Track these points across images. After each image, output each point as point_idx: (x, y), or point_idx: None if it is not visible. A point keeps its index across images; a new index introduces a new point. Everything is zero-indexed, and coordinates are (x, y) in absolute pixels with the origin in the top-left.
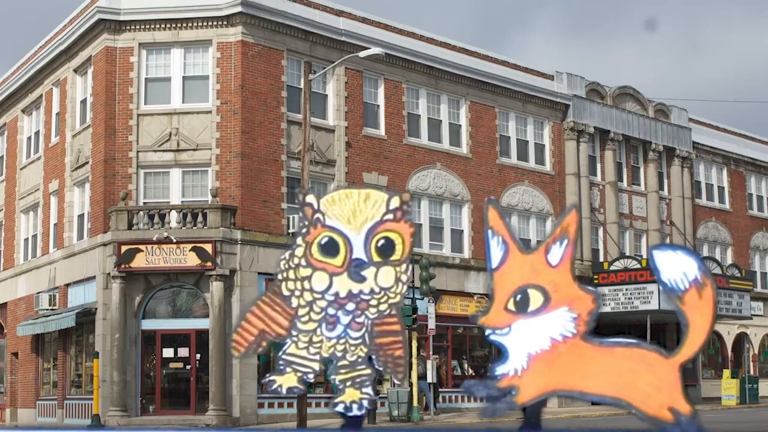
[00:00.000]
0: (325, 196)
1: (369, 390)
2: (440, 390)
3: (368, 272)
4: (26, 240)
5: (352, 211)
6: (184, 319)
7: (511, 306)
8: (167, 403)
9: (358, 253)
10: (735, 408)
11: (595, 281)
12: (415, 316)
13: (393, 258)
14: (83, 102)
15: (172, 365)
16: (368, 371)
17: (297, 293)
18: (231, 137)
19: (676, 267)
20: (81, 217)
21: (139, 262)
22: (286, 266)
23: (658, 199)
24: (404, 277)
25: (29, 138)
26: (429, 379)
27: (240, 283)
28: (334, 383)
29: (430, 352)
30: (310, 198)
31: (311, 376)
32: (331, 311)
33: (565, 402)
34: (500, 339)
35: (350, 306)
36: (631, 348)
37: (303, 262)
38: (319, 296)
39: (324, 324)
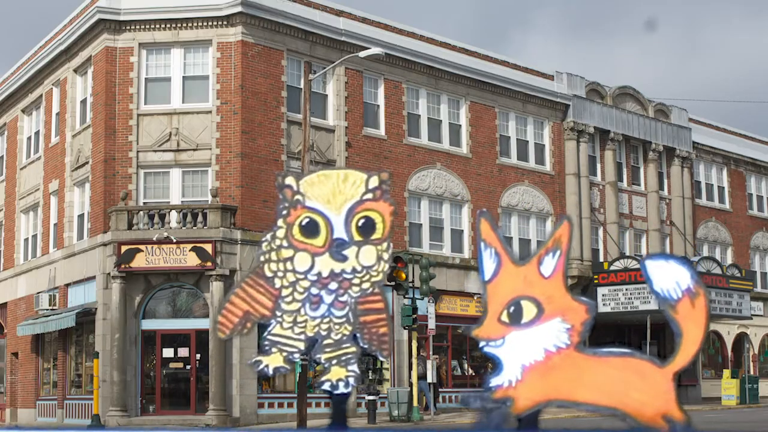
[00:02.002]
0: (303, 177)
1: (354, 367)
2: (440, 390)
3: (350, 251)
4: (26, 240)
5: (331, 191)
6: (184, 319)
7: (504, 318)
8: (167, 403)
9: (339, 232)
10: (735, 408)
11: (595, 281)
12: (415, 316)
13: (374, 237)
14: (83, 102)
15: (172, 365)
16: (353, 349)
17: (280, 274)
18: (231, 137)
19: (669, 277)
20: (81, 217)
21: (139, 262)
22: (268, 248)
23: (658, 199)
24: (385, 255)
25: (29, 138)
26: (429, 379)
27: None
28: (319, 361)
29: (430, 352)
30: (290, 180)
31: (297, 355)
32: (314, 291)
33: (564, 407)
34: (494, 351)
35: (333, 285)
36: (625, 358)
37: (285, 243)
38: (302, 276)
39: (308, 304)
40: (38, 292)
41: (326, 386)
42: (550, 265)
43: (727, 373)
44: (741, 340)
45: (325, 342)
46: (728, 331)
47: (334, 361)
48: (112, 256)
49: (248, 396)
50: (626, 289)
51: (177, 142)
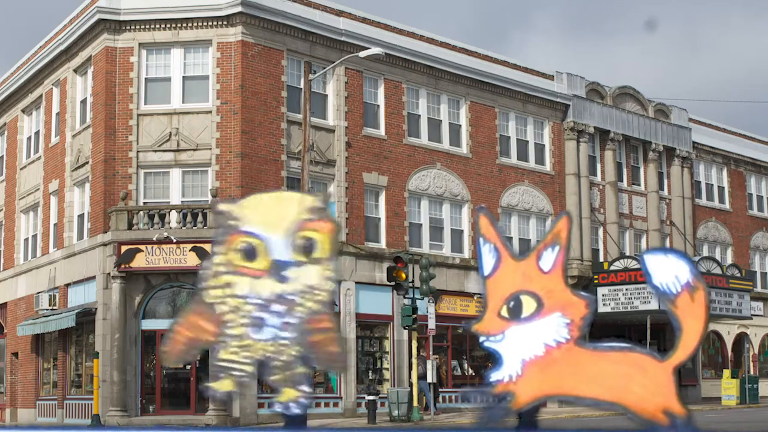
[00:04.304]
0: (237, 202)
1: (305, 387)
2: (440, 390)
3: (291, 272)
4: (26, 240)
5: (267, 213)
6: None
7: (504, 313)
8: (167, 403)
9: (280, 254)
10: (735, 408)
11: (595, 281)
12: (415, 316)
13: (316, 256)
14: (83, 102)
15: (172, 365)
16: (302, 370)
17: (220, 300)
18: (231, 137)
19: (668, 271)
20: (81, 217)
21: (139, 262)
22: (208, 275)
23: (658, 199)
24: (330, 274)
25: (29, 138)
26: (429, 379)
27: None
28: (271, 384)
29: (430, 352)
30: (223, 206)
31: (247, 379)
32: (257, 314)
33: (565, 402)
34: (494, 346)
35: (277, 307)
36: (625, 352)
37: (222, 269)
38: (244, 301)
39: (252, 327)
40: (38, 292)
41: (278, 408)
42: (550, 260)
43: (727, 373)
44: (741, 340)
45: (274, 364)
46: (728, 331)
47: (284, 383)
48: (112, 256)
49: (248, 396)
50: (626, 289)
51: (177, 142)
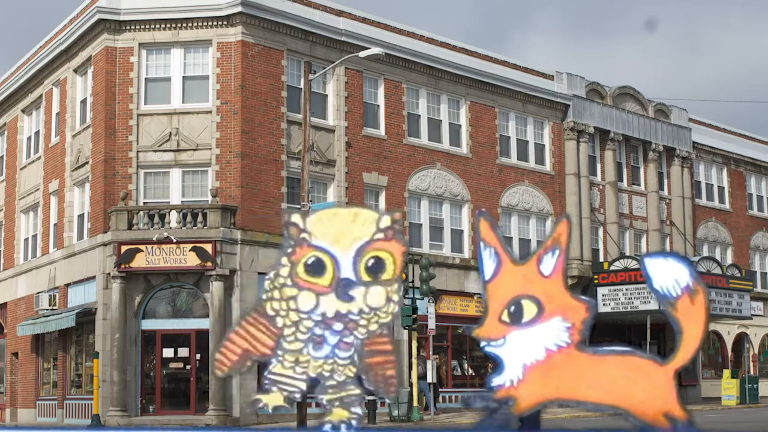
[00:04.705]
0: (311, 215)
1: (357, 409)
2: (440, 390)
3: (357, 292)
4: (26, 240)
5: (340, 230)
6: (184, 319)
7: (505, 317)
8: (167, 403)
9: (347, 272)
10: (735, 408)
11: (595, 281)
12: (415, 316)
13: (383, 278)
14: (83, 102)
15: (172, 365)
16: (357, 391)
17: (282, 313)
18: (231, 137)
19: (668, 274)
20: (81, 217)
21: (139, 262)
22: (271, 286)
23: (658, 199)
24: (395, 297)
25: (29, 138)
26: (429, 379)
27: (240, 283)
28: (321, 403)
29: (430, 352)
30: (296, 217)
31: (298, 395)
32: (317, 331)
33: (565, 405)
34: (495, 350)
35: (338, 326)
36: (626, 356)
37: (288, 282)
38: (306, 316)
39: (310, 344)
40: (38, 292)
41: (327, 427)
42: (550, 264)
43: (727, 373)
44: (741, 340)
45: (328, 383)
46: (728, 331)
47: (337, 403)
48: (112, 256)
49: (248, 396)
50: (626, 289)
51: (177, 142)
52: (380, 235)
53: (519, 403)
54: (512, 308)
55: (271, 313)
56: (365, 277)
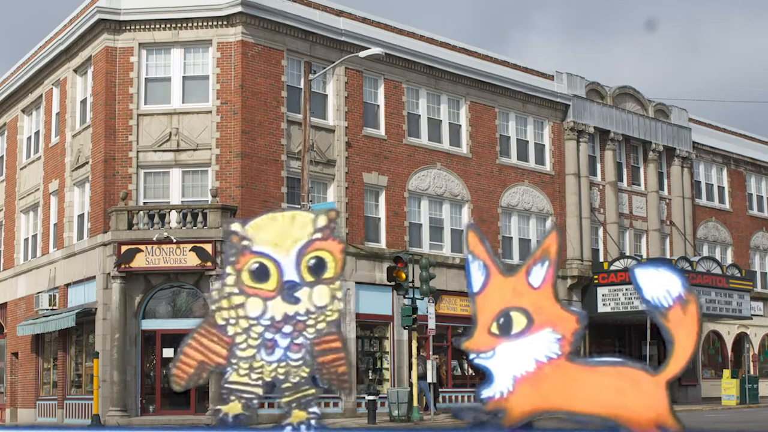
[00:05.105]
0: (249, 222)
1: (315, 409)
2: (440, 390)
3: (302, 293)
4: (26, 240)
5: (279, 234)
6: (184, 319)
7: (494, 329)
8: (167, 403)
9: (290, 275)
10: (735, 408)
11: (595, 281)
12: (415, 316)
13: (325, 276)
14: (83, 102)
15: (172, 365)
16: (312, 391)
17: (232, 321)
18: (231, 137)
19: (659, 284)
20: (81, 217)
21: (139, 262)
22: (219, 296)
23: (658, 199)
24: (338, 294)
25: (29, 138)
26: (429, 379)
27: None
28: (280, 406)
29: (430, 352)
30: (235, 226)
31: (255, 401)
32: (268, 335)
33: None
34: (485, 362)
35: (287, 328)
36: (617, 366)
37: (235, 290)
38: (255, 322)
39: (263, 349)
40: (38, 292)
41: (288, 430)
42: (539, 276)
43: (727, 373)
44: (741, 340)
45: (284, 386)
46: (728, 331)
47: (294, 404)
48: (112, 256)
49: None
50: (626, 289)
51: (177, 142)
52: (318, 235)
53: (509, 415)
54: (501, 320)
55: (221, 322)
56: (308, 278)
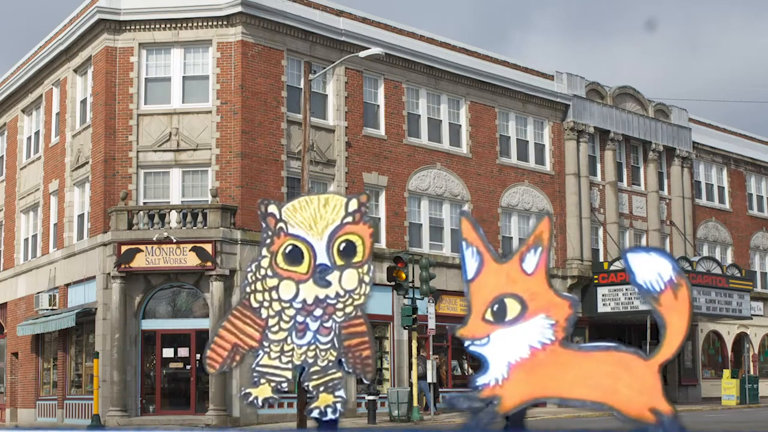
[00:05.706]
0: (286, 205)
1: (341, 393)
2: (440, 390)
3: (332, 276)
4: (26, 240)
5: (312, 217)
6: (184, 319)
7: (488, 316)
8: (167, 403)
9: (322, 258)
10: (735, 408)
11: (595, 281)
12: (415, 316)
13: (355, 260)
14: (83, 102)
15: (172, 365)
16: (339, 374)
17: (266, 304)
18: (231, 137)
19: (651, 269)
20: (81, 217)
21: (139, 262)
22: (253, 278)
23: (658, 199)
24: (367, 278)
25: (29, 138)
26: (429, 379)
27: (240, 283)
28: (308, 389)
29: (430, 352)
30: (272, 208)
31: (285, 385)
32: (299, 319)
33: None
34: (479, 349)
35: (318, 312)
36: (610, 351)
37: (269, 273)
38: (287, 305)
39: (294, 332)
40: (38, 292)
41: (315, 413)
42: (533, 262)
43: (727, 373)
44: (741, 340)
45: (312, 369)
46: (728, 331)
47: (322, 388)
48: (112, 256)
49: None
50: (626, 289)
51: (177, 142)
52: (349, 219)
53: (504, 402)
54: (496, 307)
55: (255, 305)
56: (338, 261)
